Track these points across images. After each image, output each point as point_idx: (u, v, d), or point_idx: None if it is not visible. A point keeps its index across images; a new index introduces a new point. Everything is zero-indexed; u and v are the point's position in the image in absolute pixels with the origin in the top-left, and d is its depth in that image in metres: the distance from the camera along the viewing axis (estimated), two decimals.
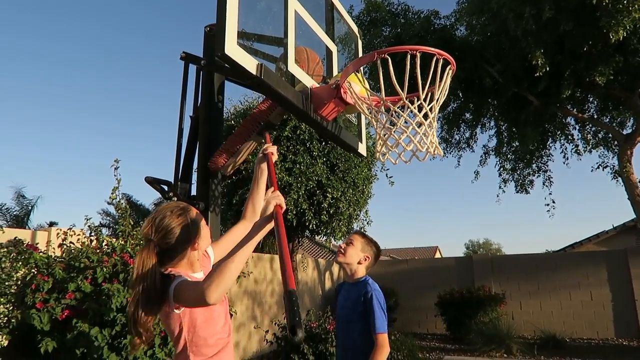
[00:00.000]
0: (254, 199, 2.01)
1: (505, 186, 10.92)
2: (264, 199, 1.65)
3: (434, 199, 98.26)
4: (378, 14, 9.50)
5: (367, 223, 7.82)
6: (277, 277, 9.08)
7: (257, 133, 2.53)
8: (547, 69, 7.33)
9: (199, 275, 1.69)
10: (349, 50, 3.80)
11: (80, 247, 4.08)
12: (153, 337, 1.61)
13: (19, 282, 3.73)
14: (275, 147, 2.20)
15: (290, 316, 1.24)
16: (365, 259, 2.61)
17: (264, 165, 2.05)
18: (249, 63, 1.98)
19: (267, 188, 2.03)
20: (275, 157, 2.12)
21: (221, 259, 1.49)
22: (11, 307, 3.65)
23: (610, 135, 10.10)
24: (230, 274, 1.38)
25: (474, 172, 11.06)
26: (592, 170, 10.71)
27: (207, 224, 2.41)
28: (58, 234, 4.35)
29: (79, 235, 4.39)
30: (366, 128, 3.55)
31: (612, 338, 9.52)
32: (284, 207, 1.67)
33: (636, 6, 6.27)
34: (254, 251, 8.40)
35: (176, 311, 1.53)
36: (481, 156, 10.99)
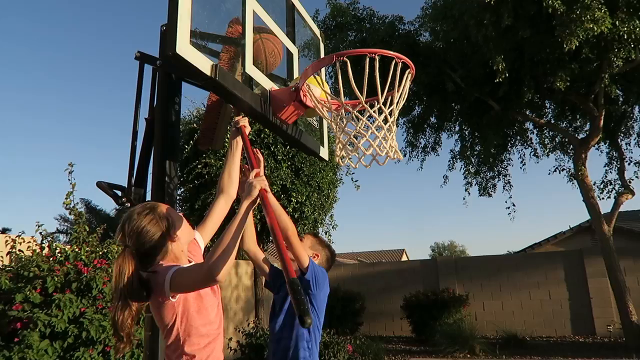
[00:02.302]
0: (230, 169, 2.09)
1: (468, 188, 11.16)
2: (248, 181, 1.69)
3: (401, 201, 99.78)
4: (343, 18, 9.55)
5: (333, 227, 7.81)
6: (243, 283, 8.95)
7: (226, 102, 2.54)
8: (507, 74, 7.54)
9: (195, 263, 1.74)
10: (312, 55, 3.77)
11: (30, 255, 3.89)
12: (133, 340, 1.63)
13: None
14: (246, 118, 2.20)
15: (296, 306, 1.23)
16: (314, 257, 2.46)
17: (239, 138, 2.12)
18: (203, 63, 1.91)
19: (243, 163, 2.13)
20: (248, 129, 2.16)
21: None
22: None
23: (566, 140, 10.50)
24: (230, 248, 1.45)
25: (443, 177, 11.24)
26: (549, 173, 11.11)
27: None
28: (7, 241, 4.13)
29: (29, 242, 4.18)
30: (328, 132, 3.53)
31: (570, 335, 9.86)
32: (269, 191, 1.69)
33: (588, 16, 6.52)
34: None
35: (172, 300, 1.56)
36: (449, 160, 11.19)
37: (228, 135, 2.73)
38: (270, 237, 7.94)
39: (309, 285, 2.26)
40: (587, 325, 9.79)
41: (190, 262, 1.80)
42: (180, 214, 1.82)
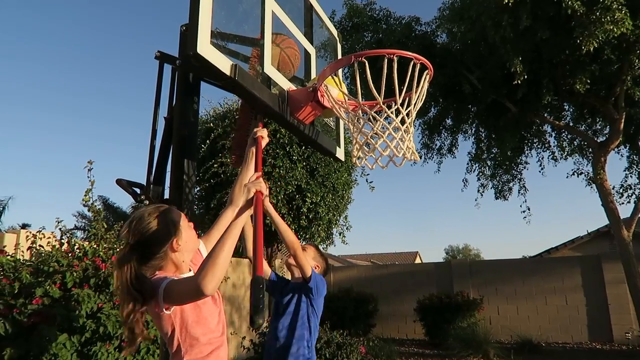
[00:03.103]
0: (242, 181, 2.08)
1: (483, 191, 11.03)
2: (244, 184, 1.72)
3: (416, 204, 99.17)
4: (360, 19, 9.53)
5: (347, 228, 7.80)
6: None
7: (254, 119, 2.57)
8: (525, 76, 7.45)
9: (189, 275, 1.73)
10: (329, 55, 3.78)
11: (50, 250, 3.96)
12: (145, 334, 1.60)
13: None
14: (265, 130, 2.24)
15: (253, 303, 1.28)
16: (316, 267, 2.72)
17: (254, 149, 2.15)
18: (223, 63, 1.93)
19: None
20: (265, 141, 2.19)
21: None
22: None
23: (585, 143, 10.32)
24: (222, 262, 1.42)
25: (463, 180, 11.13)
26: (567, 177, 10.93)
27: None
28: (27, 236, 4.21)
29: (49, 238, 4.26)
30: (345, 132, 3.53)
31: (586, 342, 9.69)
32: (265, 194, 1.70)
33: (608, 18, 6.41)
34: (232, 256, 8.30)
35: (166, 312, 1.55)
36: (467, 163, 11.09)
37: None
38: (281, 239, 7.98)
39: (311, 292, 2.56)
40: (604, 332, 9.62)
41: (190, 271, 1.79)
42: (190, 223, 1.80)
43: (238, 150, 2.82)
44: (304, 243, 3.06)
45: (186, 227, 1.74)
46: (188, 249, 1.74)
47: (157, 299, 1.52)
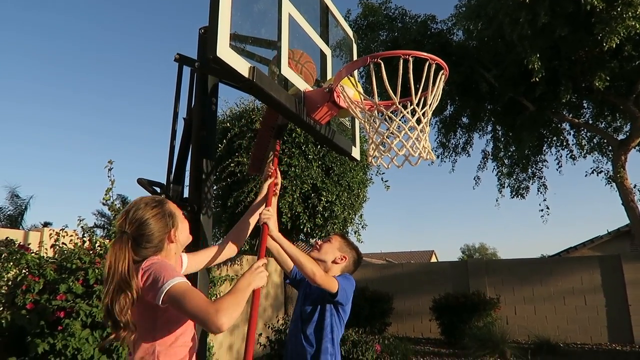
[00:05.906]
0: (244, 225, 2.25)
1: (503, 191, 10.95)
2: (258, 266, 1.73)
3: (431, 203, 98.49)
4: (375, 18, 9.53)
5: (362, 227, 7.81)
6: (272, 280, 9.07)
7: (273, 137, 2.70)
8: (543, 73, 7.37)
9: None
10: (344, 55, 3.81)
11: (72, 248, 4.06)
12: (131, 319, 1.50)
13: (10, 283, 3.71)
14: (280, 179, 2.43)
15: None
16: (342, 259, 2.52)
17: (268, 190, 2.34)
18: (242, 66, 1.97)
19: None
20: (278, 188, 2.39)
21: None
22: (1, 308, 3.63)
23: (604, 141, 10.16)
24: (241, 305, 1.43)
25: (474, 178, 11.08)
26: (586, 176, 10.77)
27: (200, 226, 2.43)
28: (51, 234, 4.33)
29: (71, 236, 4.37)
30: (361, 132, 3.56)
31: (606, 343, 9.54)
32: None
33: (630, 13, 6.31)
34: (248, 253, 8.34)
35: (162, 305, 1.46)
36: (480, 161, 11.04)
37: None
38: (300, 236, 8.01)
39: (340, 303, 2.40)
40: (624, 333, 9.45)
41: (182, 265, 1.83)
42: (181, 215, 1.79)
43: (256, 161, 2.95)
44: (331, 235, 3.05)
45: (182, 219, 1.74)
46: (183, 241, 1.75)
47: (157, 293, 1.44)
